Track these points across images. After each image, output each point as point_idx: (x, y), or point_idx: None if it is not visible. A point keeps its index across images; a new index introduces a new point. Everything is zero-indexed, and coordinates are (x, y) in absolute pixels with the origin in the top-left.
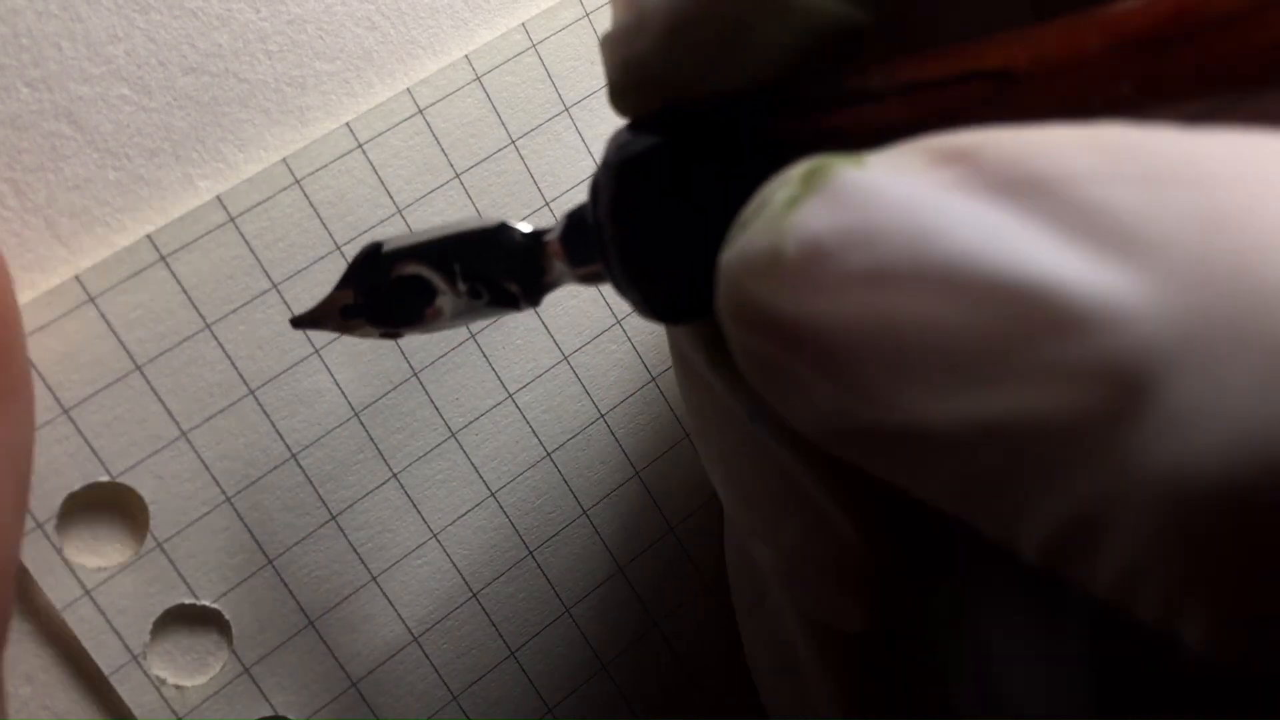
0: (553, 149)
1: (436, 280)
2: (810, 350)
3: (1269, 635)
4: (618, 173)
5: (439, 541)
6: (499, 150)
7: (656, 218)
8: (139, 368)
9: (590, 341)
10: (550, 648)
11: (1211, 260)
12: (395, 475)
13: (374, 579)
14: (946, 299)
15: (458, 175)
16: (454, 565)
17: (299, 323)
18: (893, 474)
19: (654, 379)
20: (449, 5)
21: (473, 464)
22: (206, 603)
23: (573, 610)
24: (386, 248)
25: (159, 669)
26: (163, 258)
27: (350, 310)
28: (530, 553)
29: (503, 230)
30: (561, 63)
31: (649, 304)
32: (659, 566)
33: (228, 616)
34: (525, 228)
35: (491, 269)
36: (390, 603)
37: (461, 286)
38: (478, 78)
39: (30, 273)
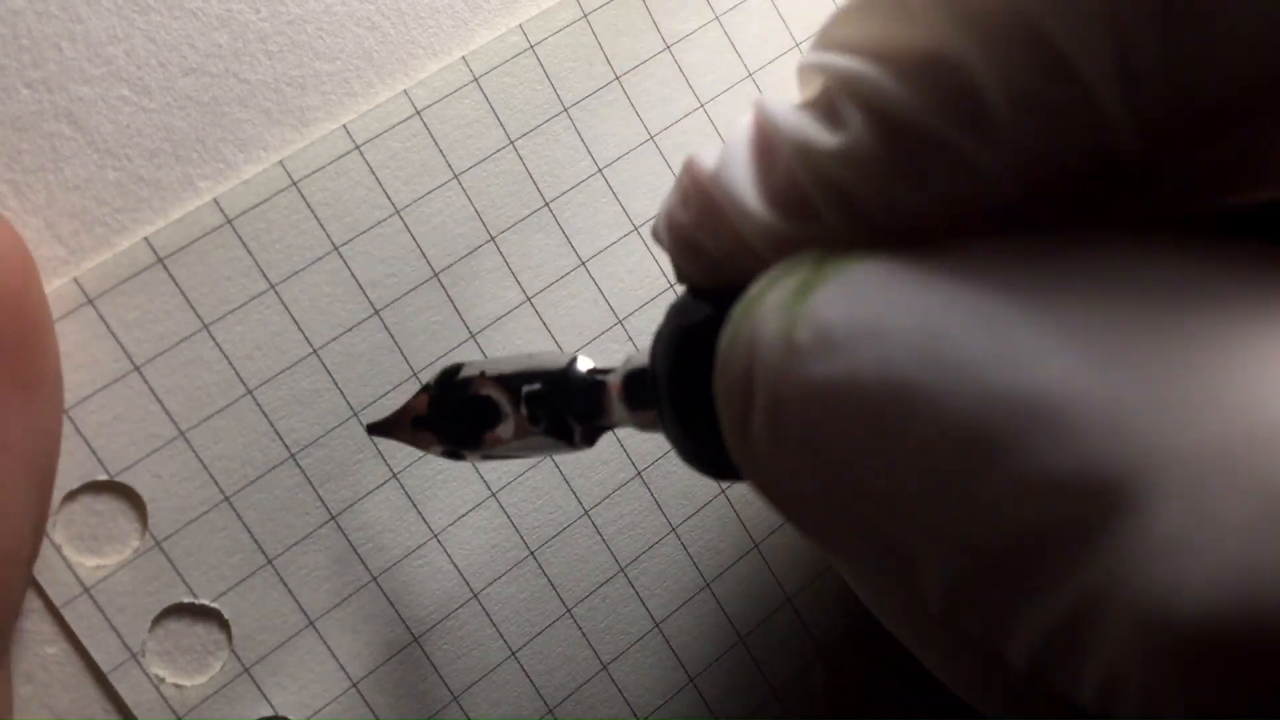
0: (551, 149)
1: (504, 403)
2: (801, 434)
3: None
4: (677, 338)
5: (439, 542)
6: (497, 151)
7: (709, 383)
8: (137, 368)
9: (591, 341)
10: (551, 648)
11: (1201, 384)
12: (395, 475)
13: (374, 579)
14: (946, 401)
15: (456, 176)
16: (454, 565)
17: (374, 429)
18: (876, 570)
19: None
20: (449, 5)
21: (473, 464)
22: (206, 601)
23: (574, 611)
24: (465, 371)
25: (158, 667)
26: (160, 260)
27: (420, 422)
28: (531, 553)
29: (571, 366)
30: (559, 64)
31: (699, 459)
32: (661, 567)
33: (227, 616)
34: (587, 366)
35: (555, 399)
36: (390, 603)
37: (523, 410)
38: (475, 79)
39: None
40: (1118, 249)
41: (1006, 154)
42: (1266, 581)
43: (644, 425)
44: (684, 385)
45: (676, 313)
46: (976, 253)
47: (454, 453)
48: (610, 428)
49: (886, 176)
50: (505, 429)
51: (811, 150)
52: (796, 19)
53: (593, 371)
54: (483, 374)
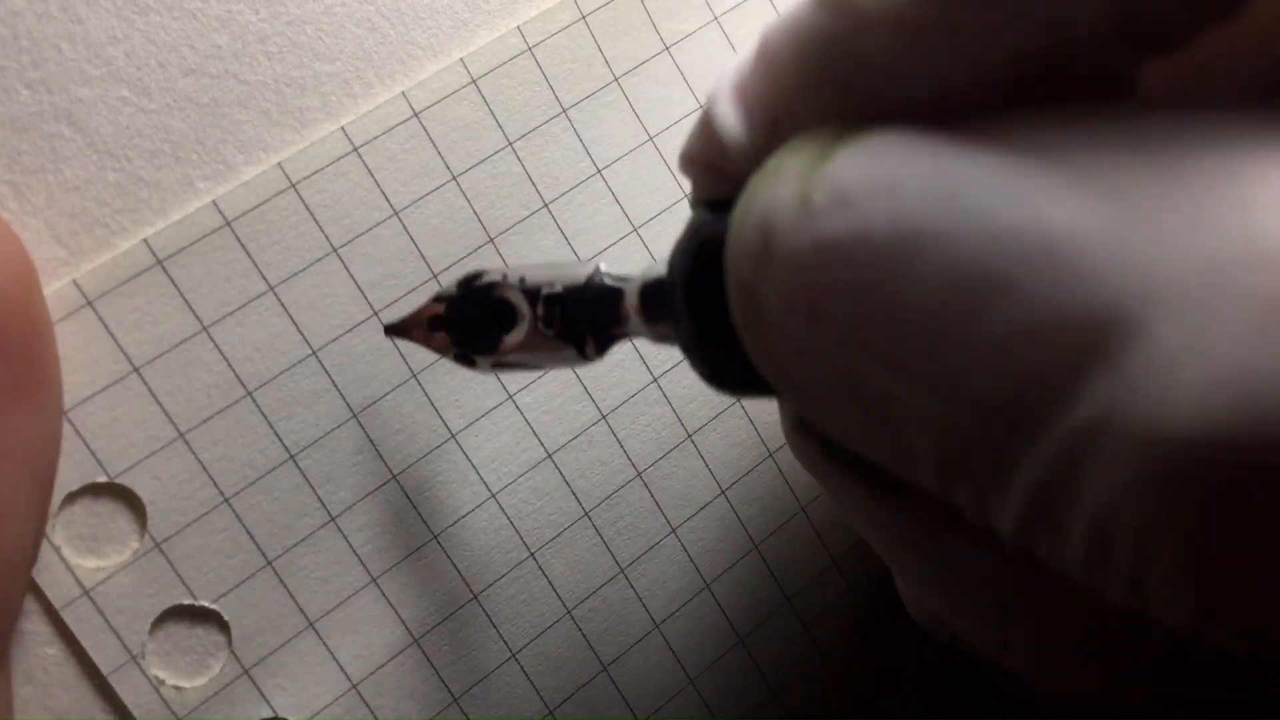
0: (550, 150)
1: (522, 307)
2: (812, 294)
3: (1245, 596)
4: (694, 250)
5: (439, 543)
6: (496, 152)
7: (725, 293)
8: (137, 370)
9: None
10: (552, 649)
11: (1200, 213)
12: (395, 477)
13: (374, 580)
14: (953, 242)
15: (454, 178)
16: (454, 567)
17: (391, 330)
18: (879, 438)
19: (655, 380)
20: (448, 6)
21: (473, 465)
22: (205, 603)
23: (574, 612)
24: (487, 276)
25: (158, 669)
26: (159, 261)
27: (436, 323)
28: (531, 554)
29: (595, 274)
30: (558, 65)
31: (713, 373)
32: (661, 568)
33: (227, 617)
34: (610, 278)
35: (572, 304)
36: (390, 604)
37: (540, 311)
38: (473, 81)
39: None
40: (1123, 109)
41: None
42: (1264, 386)
43: (659, 336)
44: (700, 294)
45: (694, 224)
46: (988, 121)
47: (466, 357)
48: (624, 337)
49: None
50: (516, 336)
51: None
52: None
53: (614, 279)
54: (504, 278)
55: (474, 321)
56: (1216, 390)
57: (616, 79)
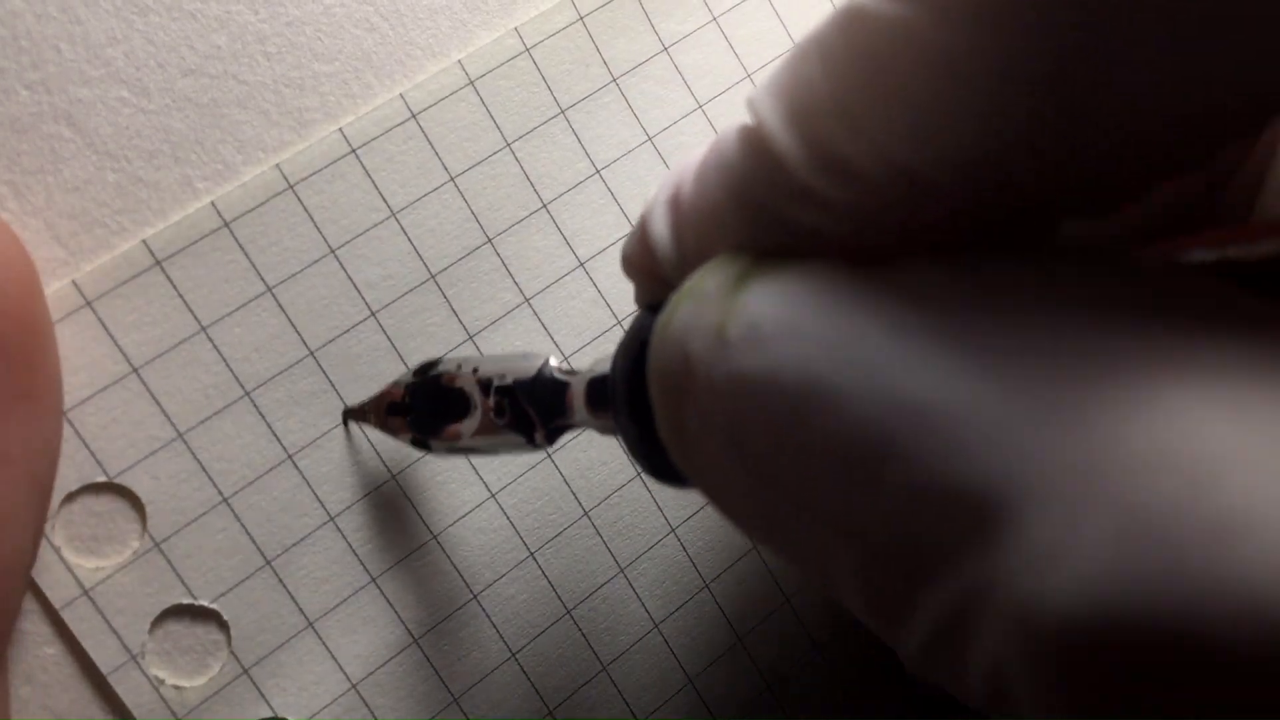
0: (548, 151)
1: (475, 397)
2: (727, 424)
3: None
4: (634, 351)
5: (439, 543)
6: (494, 154)
7: None
8: (136, 370)
9: (590, 343)
10: (551, 649)
11: (1082, 413)
12: (394, 476)
13: (373, 580)
14: (852, 401)
15: (452, 179)
16: (454, 566)
17: (350, 414)
18: (796, 559)
19: None
20: (447, 7)
21: (472, 465)
22: (205, 603)
23: (574, 611)
24: (442, 366)
25: (157, 669)
26: (158, 262)
27: (394, 408)
28: (531, 554)
29: (544, 368)
30: (556, 66)
31: (653, 469)
32: (660, 568)
33: (226, 617)
34: (559, 371)
35: (522, 395)
36: (390, 604)
37: (490, 401)
38: (471, 82)
39: None
40: (1030, 279)
41: (874, 208)
42: (1125, 589)
43: (604, 429)
44: (640, 393)
45: (634, 326)
46: (900, 271)
47: (422, 442)
48: (571, 428)
49: (783, 203)
50: (472, 423)
51: (735, 173)
52: (794, 19)
53: (562, 372)
54: (459, 368)
55: (429, 408)
56: (1086, 588)
57: (615, 80)
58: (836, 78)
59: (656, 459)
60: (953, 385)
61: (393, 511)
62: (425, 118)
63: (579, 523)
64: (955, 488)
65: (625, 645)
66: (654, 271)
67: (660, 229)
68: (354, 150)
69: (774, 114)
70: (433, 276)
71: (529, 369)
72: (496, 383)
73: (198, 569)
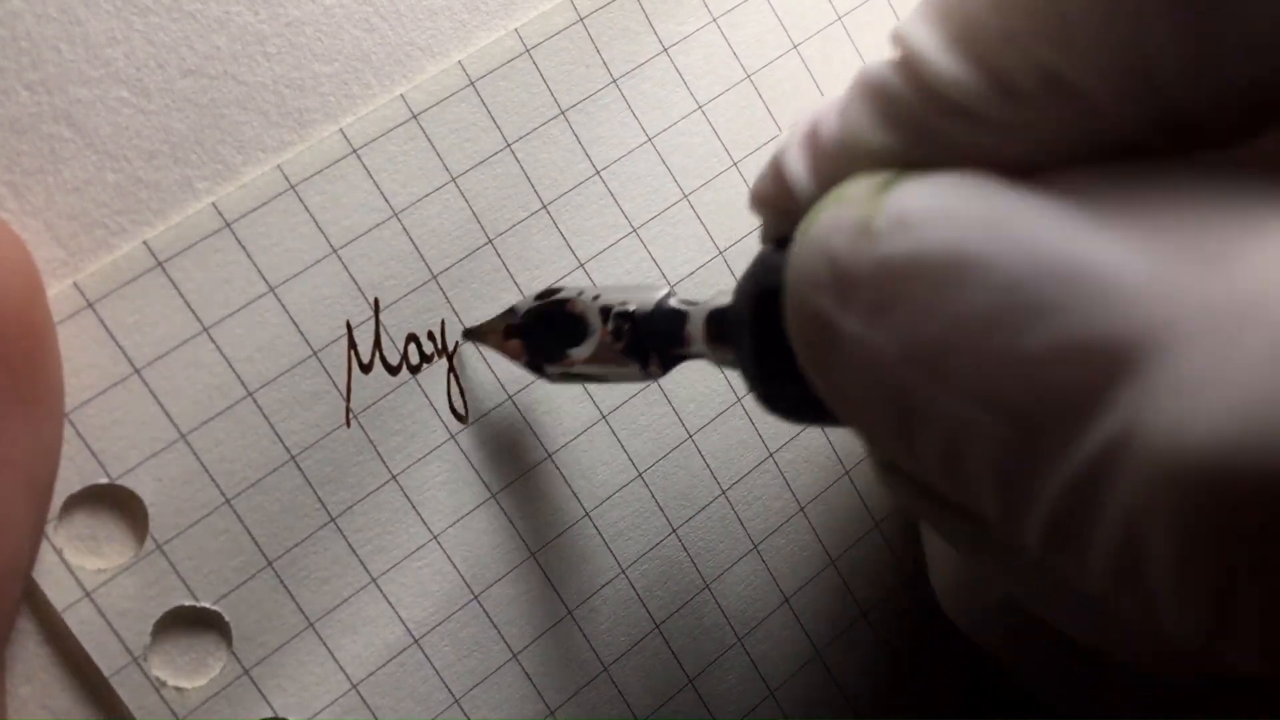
0: (549, 152)
1: (595, 322)
2: (874, 298)
3: (1258, 616)
4: (759, 279)
5: (439, 543)
6: (495, 154)
7: (787, 341)
8: (137, 371)
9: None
10: (553, 650)
11: (1227, 255)
12: (395, 477)
13: (374, 580)
14: (1001, 267)
15: (454, 179)
16: (455, 567)
17: (469, 334)
18: (919, 451)
19: (654, 382)
20: (447, 7)
21: (473, 465)
22: (206, 604)
23: (575, 612)
24: (564, 293)
25: (159, 670)
26: (160, 264)
27: (511, 331)
28: (532, 554)
29: (665, 297)
30: (556, 67)
31: (769, 397)
32: (661, 569)
33: (227, 618)
34: (680, 302)
35: (640, 321)
36: (390, 605)
37: (610, 326)
38: (471, 83)
39: None
40: (1172, 166)
41: (1032, 128)
42: (1277, 414)
43: (721, 360)
44: (762, 322)
45: (760, 257)
46: (1046, 176)
47: (536, 365)
48: (687, 358)
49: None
50: (587, 348)
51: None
52: (794, 20)
53: (684, 303)
54: (580, 294)
55: (546, 333)
56: (1234, 415)
57: (615, 80)
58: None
59: (772, 388)
60: (1101, 246)
61: (393, 512)
62: (426, 118)
63: (580, 523)
64: (1104, 336)
65: (626, 646)
66: (785, 206)
67: (796, 163)
68: (355, 151)
69: (932, 39)
70: (434, 277)
71: (650, 298)
72: (616, 309)
73: (200, 570)
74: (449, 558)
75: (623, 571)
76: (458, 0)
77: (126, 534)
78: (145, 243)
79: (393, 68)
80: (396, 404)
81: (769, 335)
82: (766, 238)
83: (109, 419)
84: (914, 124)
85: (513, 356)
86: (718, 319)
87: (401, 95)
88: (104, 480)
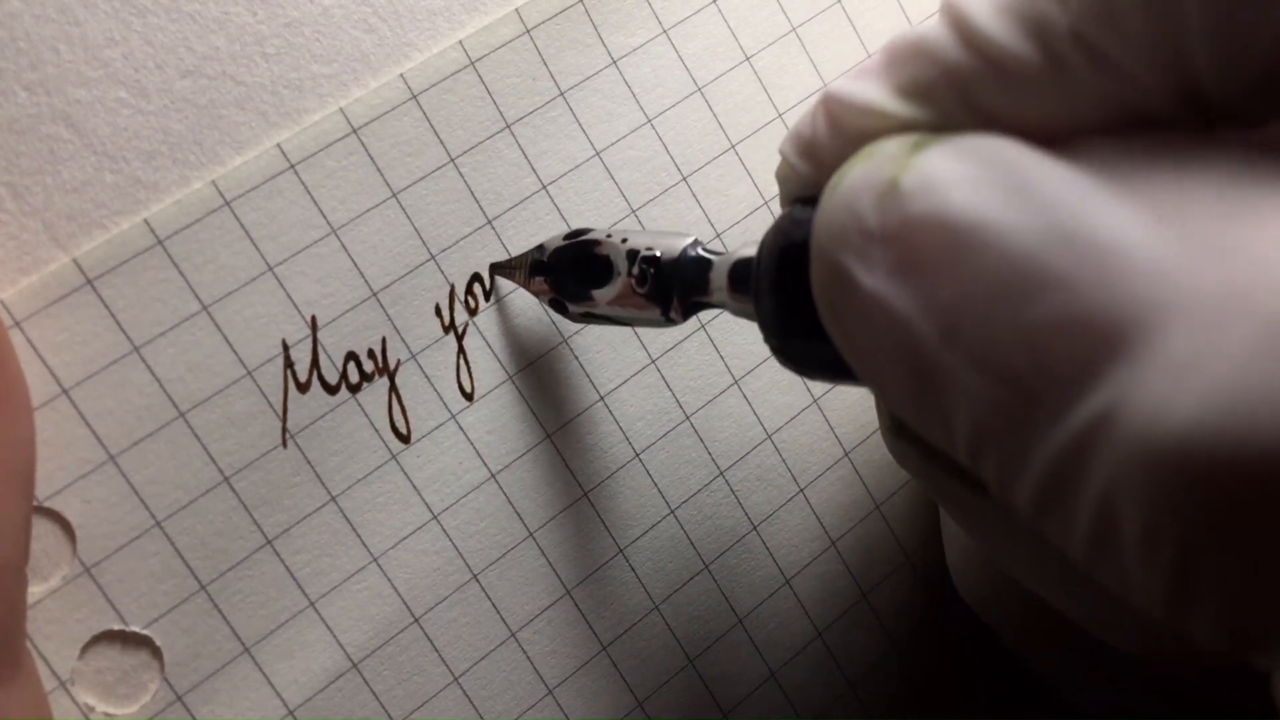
0: (494, 166)
1: (619, 264)
2: (896, 256)
3: (1222, 591)
4: (785, 232)
5: (379, 566)
6: (438, 169)
7: (808, 295)
8: (65, 392)
9: (536, 361)
10: (495, 673)
11: (1227, 240)
12: (334, 498)
13: (312, 604)
14: (1018, 235)
15: (394, 195)
16: (395, 590)
17: (496, 267)
18: (925, 409)
19: (602, 399)
20: (446, 8)
21: (414, 486)
22: (137, 629)
23: (518, 634)
24: (592, 234)
25: (88, 696)
26: (89, 281)
27: (538, 268)
28: (474, 576)
29: (691, 245)
30: (502, 80)
31: (784, 349)
32: (607, 589)
33: (159, 643)
34: (706, 250)
35: (665, 266)
36: (329, 629)
37: (635, 270)
38: (414, 96)
39: (28, 275)
40: (1191, 144)
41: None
42: (1256, 404)
43: (740, 311)
44: (784, 274)
45: (787, 213)
46: (1072, 146)
47: (559, 304)
48: (708, 306)
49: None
50: (611, 290)
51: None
52: (745, 32)
53: (707, 252)
54: (608, 236)
55: (572, 272)
56: (1207, 402)
57: (562, 93)
58: None
59: (790, 341)
60: (1115, 223)
61: (332, 534)
62: (366, 132)
63: (524, 544)
64: (1102, 314)
65: (573, 668)
66: (816, 160)
67: (826, 123)
68: (293, 166)
69: (984, 6)
70: (374, 294)
71: (676, 245)
72: (643, 253)
73: (129, 594)
74: (389, 580)
75: (567, 592)
76: (456, 1)
77: (53, 557)
78: (74, 260)
79: (392, 68)
80: (335, 424)
81: (790, 288)
82: (786, 200)
83: (37, 439)
84: (952, 90)
85: (536, 293)
86: (741, 269)
87: (340, 109)
88: (31, 502)
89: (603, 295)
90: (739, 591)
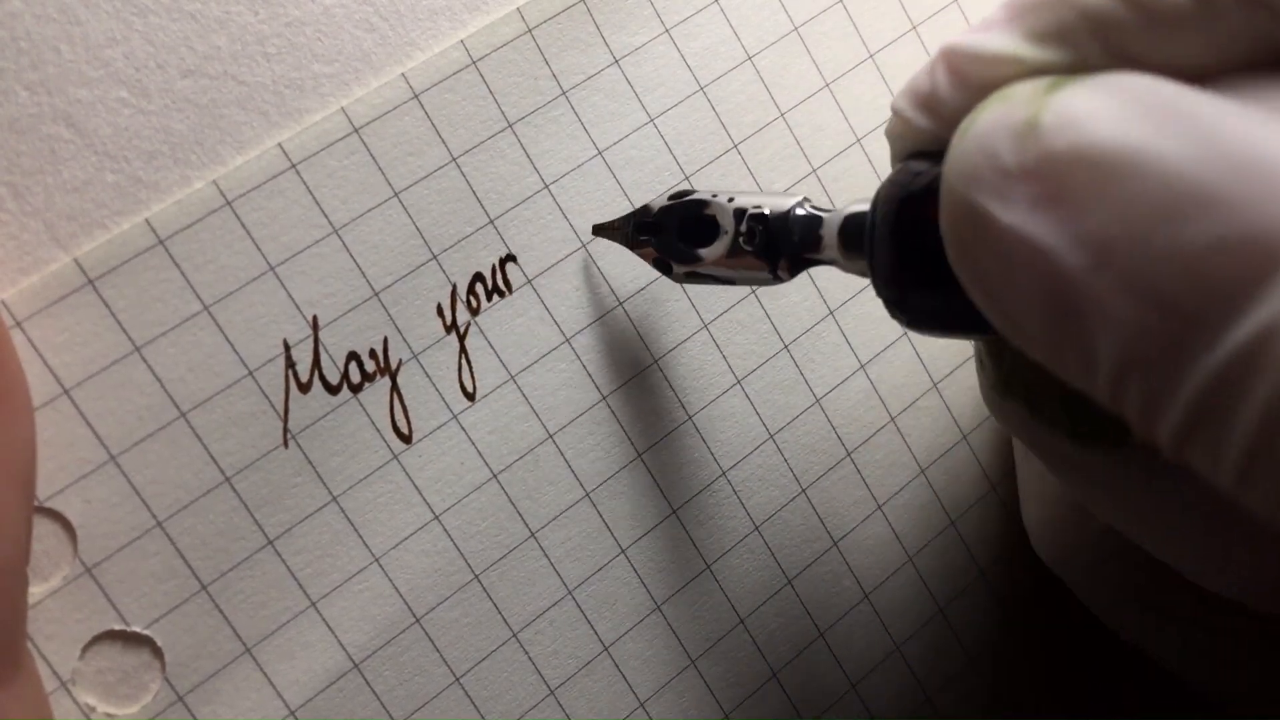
0: (496, 165)
1: (727, 223)
2: (1038, 190)
3: None
4: (903, 184)
5: (381, 566)
6: (440, 168)
7: (927, 245)
8: (66, 392)
9: (538, 360)
10: (496, 673)
11: None
12: (335, 498)
13: (313, 604)
14: (1172, 157)
15: (396, 194)
16: (396, 590)
17: (599, 229)
18: (1064, 342)
19: (604, 398)
20: (447, 7)
21: (416, 486)
22: (138, 629)
23: (520, 635)
24: (698, 194)
25: (89, 696)
26: (90, 281)
27: (642, 229)
28: (476, 576)
29: (799, 203)
30: (504, 79)
31: (900, 300)
32: (609, 589)
33: (160, 643)
34: (814, 207)
35: (773, 224)
36: (330, 629)
37: (742, 228)
38: (415, 95)
39: (29, 275)
40: None
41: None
42: None
43: (850, 267)
44: (904, 227)
45: (903, 167)
46: (1220, 80)
47: (664, 264)
48: (817, 263)
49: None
50: (718, 248)
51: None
52: (747, 31)
53: (816, 209)
54: (714, 196)
55: (678, 231)
56: None
57: (564, 93)
58: None
59: (906, 292)
60: (1275, 142)
61: (333, 534)
62: (368, 132)
63: (526, 544)
64: (1264, 232)
65: (574, 669)
66: (937, 113)
67: (948, 76)
68: (294, 165)
69: None
70: (376, 294)
71: (784, 203)
72: (751, 211)
73: (130, 594)
74: (390, 580)
75: (569, 593)
76: (458, 0)
77: (55, 557)
78: (75, 260)
79: (393, 68)
80: (337, 424)
81: (909, 239)
82: (899, 157)
83: (38, 440)
84: (1093, 33)
85: (641, 254)
86: (853, 224)
87: (342, 108)
88: (33, 502)
89: (710, 254)
90: (741, 592)
